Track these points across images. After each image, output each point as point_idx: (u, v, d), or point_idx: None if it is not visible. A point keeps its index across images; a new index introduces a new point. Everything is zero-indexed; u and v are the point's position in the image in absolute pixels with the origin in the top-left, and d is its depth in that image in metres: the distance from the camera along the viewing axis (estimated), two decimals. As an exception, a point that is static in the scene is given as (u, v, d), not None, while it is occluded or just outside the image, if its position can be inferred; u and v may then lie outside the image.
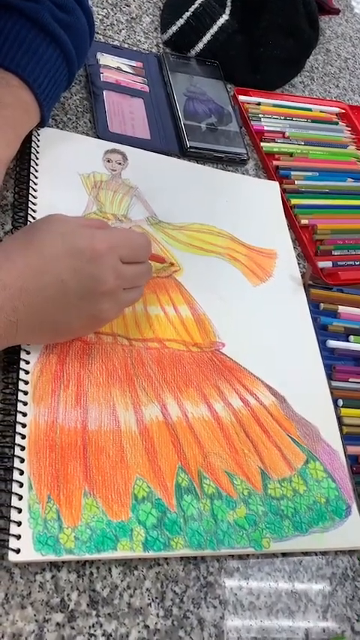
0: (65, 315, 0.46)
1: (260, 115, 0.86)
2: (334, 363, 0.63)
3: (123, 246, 0.48)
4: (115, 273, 0.47)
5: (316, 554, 0.51)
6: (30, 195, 0.58)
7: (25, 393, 0.47)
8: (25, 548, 0.41)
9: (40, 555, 0.41)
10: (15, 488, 0.43)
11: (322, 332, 0.65)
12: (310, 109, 0.92)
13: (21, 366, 0.48)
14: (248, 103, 0.87)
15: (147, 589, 0.44)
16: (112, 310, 0.49)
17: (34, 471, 0.44)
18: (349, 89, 1.04)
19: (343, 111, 0.95)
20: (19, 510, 0.42)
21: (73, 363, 0.51)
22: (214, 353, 0.58)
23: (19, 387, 0.47)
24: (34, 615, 0.41)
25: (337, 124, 0.93)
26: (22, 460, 0.44)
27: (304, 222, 0.75)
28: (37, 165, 0.61)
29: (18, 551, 0.41)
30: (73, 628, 0.41)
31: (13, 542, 0.41)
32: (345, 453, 0.57)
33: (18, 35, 0.56)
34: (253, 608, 0.47)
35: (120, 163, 0.67)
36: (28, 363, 0.48)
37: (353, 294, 0.70)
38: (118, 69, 0.78)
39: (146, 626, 0.43)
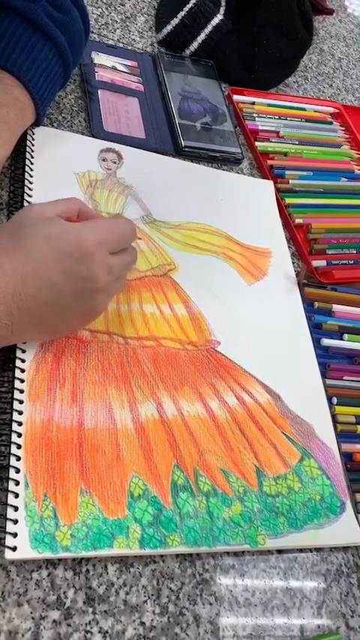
0: (61, 314, 0.46)
1: (255, 115, 0.86)
2: (328, 361, 0.63)
3: (111, 239, 0.47)
4: (106, 268, 0.46)
5: (311, 551, 0.51)
6: (25, 194, 0.58)
7: (21, 391, 0.47)
8: (22, 546, 0.41)
9: (36, 553, 0.41)
10: (11, 486, 0.43)
11: (317, 330, 0.66)
12: (304, 109, 0.92)
13: (17, 365, 0.48)
14: (243, 103, 0.87)
15: (143, 586, 0.45)
16: (105, 302, 0.49)
17: (31, 469, 0.44)
18: (342, 89, 1.04)
19: (337, 110, 0.96)
20: (16, 508, 0.42)
21: (68, 361, 0.51)
22: (210, 351, 0.58)
23: (15, 386, 0.47)
24: (31, 613, 0.41)
25: (331, 123, 0.93)
26: (19, 458, 0.44)
27: (298, 221, 0.75)
28: (32, 164, 0.61)
29: (14, 549, 0.41)
30: (69, 625, 0.41)
31: (9, 540, 0.41)
32: (339, 450, 0.57)
33: (13, 34, 0.56)
34: (249, 604, 0.47)
35: (115, 162, 0.68)
36: (23, 361, 0.48)
37: (347, 293, 0.70)
38: (113, 68, 0.78)
39: (142, 623, 0.43)
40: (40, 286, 0.44)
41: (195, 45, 0.85)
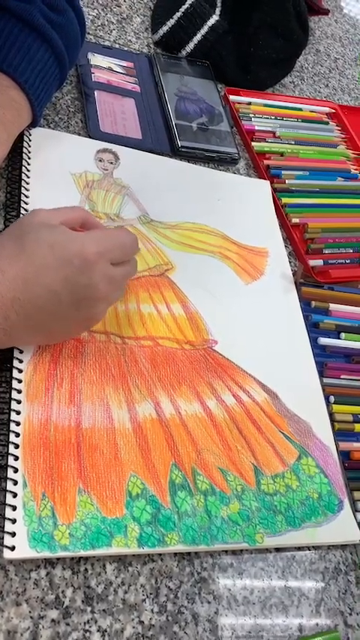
0: (59, 321, 0.47)
1: (251, 115, 0.86)
2: (325, 360, 0.63)
3: (113, 249, 0.48)
4: (107, 278, 0.47)
5: (309, 549, 0.52)
6: (22, 195, 0.58)
7: (19, 391, 0.47)
8: (20, 546, 0.41)
9: (35, 552, 0.41)
10: (9, 485, 0.43)
11: (314, 329, 0.66)
12: (300, 109, 0.93)
13: (14, 365, 0.48)
14: (239, 103, 0.87)
15: (141, 585, 0.45)
16: (104, 311, 0.50)
17: (29, 468, 0.44)
18: (338, 89, 1.05)
19: (333, 110, 0.96)
20: (14, 508, 0.42)
21: (66, 361, 0.51)
22: (207, 350, 0.58)
23: (13, 386, 0.47)
24: (29, 612, 0.41)
25: (327, 123, 0.93)
26: (17, 458, 0.44)
27: (295, 220, 0.75)
28: (28, 165, 0.61)
29: (13, 548, 0.41)
30: (68, 624, 0.41)
31: (7, 540, 0.41)
32: (337, 448, 0.57)
33: (9, 35, 0.57)
34: (247, 603, 0.47)
35: (112, 163, 0.68)
36: (21, 361, 0.49)
37: (344, 292, 0.70)
38: (110, 69, 0.78)
39: (141, 622, 0.43)
40: (40, 293, 0.44)
41: (191, 45, 0.85)
